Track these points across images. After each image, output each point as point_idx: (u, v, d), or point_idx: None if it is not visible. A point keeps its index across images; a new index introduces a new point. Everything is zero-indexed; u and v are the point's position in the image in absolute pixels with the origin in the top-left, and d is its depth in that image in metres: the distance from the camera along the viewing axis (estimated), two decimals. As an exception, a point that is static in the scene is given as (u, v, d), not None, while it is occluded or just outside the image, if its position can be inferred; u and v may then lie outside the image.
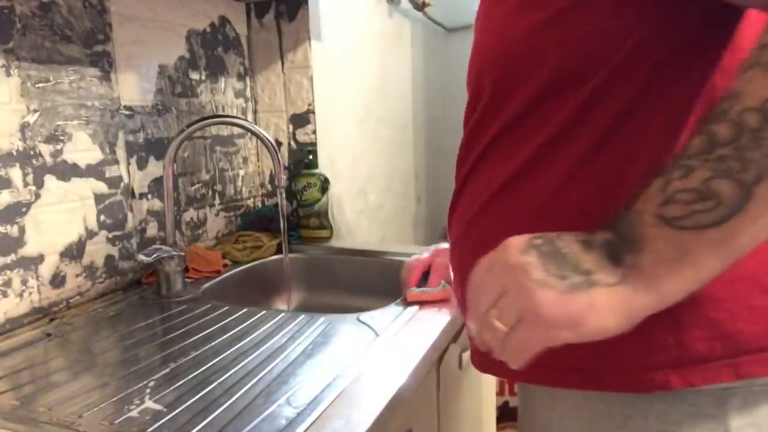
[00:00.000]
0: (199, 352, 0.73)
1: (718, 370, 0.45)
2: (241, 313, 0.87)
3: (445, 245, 0.98)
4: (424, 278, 0.94)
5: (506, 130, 0.53)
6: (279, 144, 1.40)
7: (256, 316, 0.85)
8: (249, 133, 1.33)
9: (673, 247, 0.39)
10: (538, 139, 0.50)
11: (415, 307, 0.87)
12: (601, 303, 0.40)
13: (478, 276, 0.46)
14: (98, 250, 0.96)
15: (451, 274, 0.64)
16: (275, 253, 1.22)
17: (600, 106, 0.47)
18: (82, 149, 0.93)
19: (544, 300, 0.40)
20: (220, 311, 0.88)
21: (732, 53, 0.45)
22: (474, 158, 0.57)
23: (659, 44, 0.45)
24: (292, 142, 1.39)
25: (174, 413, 0.58)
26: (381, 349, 0.73)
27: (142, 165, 1.05)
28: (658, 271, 0.39)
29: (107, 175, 0.98)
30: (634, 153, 0.47)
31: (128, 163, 1.02)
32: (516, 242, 0.44)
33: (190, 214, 1.19)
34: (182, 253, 0.99)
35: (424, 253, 0.98)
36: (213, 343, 0.76)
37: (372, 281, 1.18)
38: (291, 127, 1.39)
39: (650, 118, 0.47)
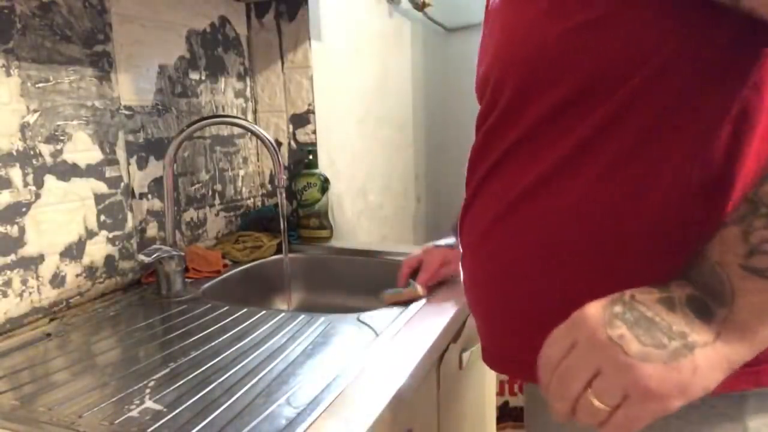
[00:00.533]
0: (199, 352, 0.73)
1: (738, 379, 0.45)
2: (241, 313, 0.87)
3: (439, 242, 0.99)
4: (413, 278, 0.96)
5: (528, 136, 0.53)
6: (279, 144, 1.40)
7: (256, 316, 0.85)
8: (249, 133, 1.33)
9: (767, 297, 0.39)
10: (564, 147, 0.50)
11: (416, 307, 0.87)
12: (704, 364, 0.39)
13: (556, 355, 0.44)
14: (98, 250, 0.96)
15: (461, 275, 0.64)
16: (275, 253, 1.22)
17: (629, 116, 0.47)
18: (82, 149, 0.93)
19: (650, 374, 0.39)
20: (220, 311, 0.88)
21: (763, 68, 0.45)
22: (490, 164, 0.56)
23: (691, 57, 0.45)
24: (292, 142, 1.39)
25: (174, 413, 0.58)
26: (381, 349, 0.73)
27: (142, 165, 1.05)
28: (753, 323, 0.39)
29: (107, 175, 0.98)
30: (660, 165, 0.47)
31: (128, 163, 1.02)
32: (595, 313, 0.42)
33: (190, 214, 1.19)
34: (182, 253, 0.99)
35: (415, 252, 0.99)
36: (213, 343, 0.76)
37: (372, 281, 1.18)
38: (291, 127, 1.39)
39: (678, 130, 0.46)
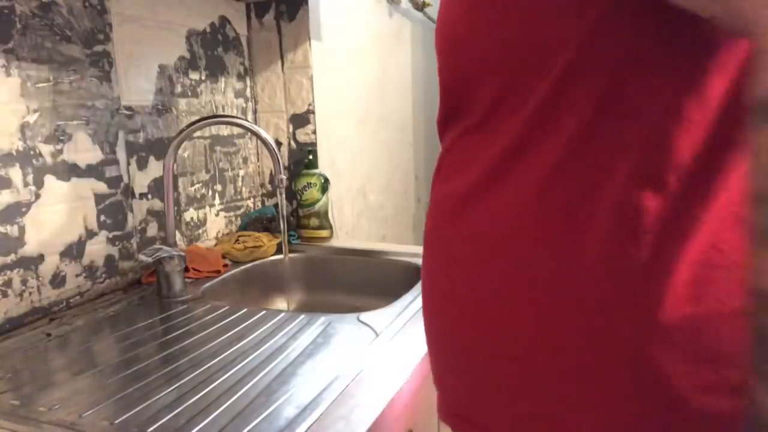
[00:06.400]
0: (199, 352, 0.73)
1: None
2: (241, 313, 0.87)
3: None
4: None
5: (463, 135, 0.49)
6: (279, 144, 1.40)
7: (256, 316, 0.85)
8: (249, 133, 1.33)
9: None
10: (489, 157, 0.45)
11: (416, 307, 0.87)
12: None
13: None
14: (98, 250, 0.96)
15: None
16: (275, 253, 1.22)
17: (560, 116, 0.41)
18: (82, 149, 0.93)
19: None
20: (220, 311, 0.88)
21: (706, 75, 0.38)
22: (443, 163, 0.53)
23: (613, 48, 0.39)
24: (292, 142, 1.39)
25: (174, 413, 0.58)
26: (381, 349, 0.73)
27: (142, 165, 1.05)
28: None
29: (107, 175, 0.98)
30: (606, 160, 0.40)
31: (128, 163, 1.02)
32: None
33: (190, 214, 1.19)
34: (182, 253, 0.99)
35: None
36: (213, 343, 0.76)
37: (372, 281, 1.18)
38: (291, 127, 1.39)
39: (625, 121, 0.39)
